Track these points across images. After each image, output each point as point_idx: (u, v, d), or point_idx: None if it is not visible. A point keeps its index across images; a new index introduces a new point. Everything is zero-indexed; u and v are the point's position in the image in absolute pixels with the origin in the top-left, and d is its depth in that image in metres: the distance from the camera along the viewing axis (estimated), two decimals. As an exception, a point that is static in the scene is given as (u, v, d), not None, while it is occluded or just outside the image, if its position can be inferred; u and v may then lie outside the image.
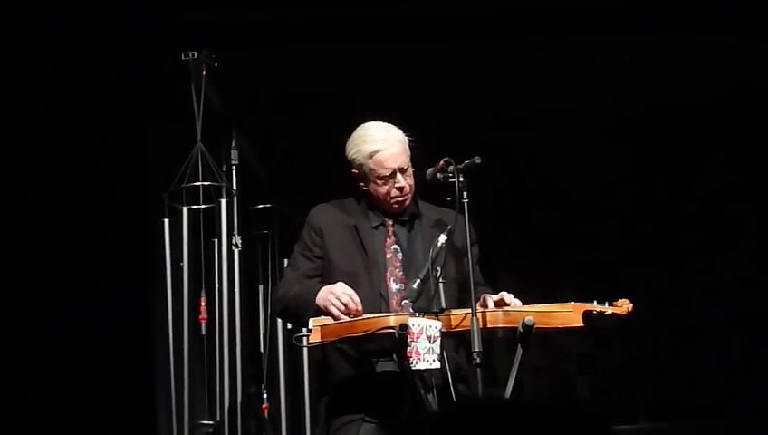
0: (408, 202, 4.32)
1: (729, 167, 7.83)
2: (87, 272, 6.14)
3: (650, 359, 7.80)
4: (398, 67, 6.85)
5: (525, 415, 1.47)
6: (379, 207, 4.33)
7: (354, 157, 4.30)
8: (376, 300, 4.18)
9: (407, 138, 4.33)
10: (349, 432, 4.14)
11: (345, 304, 4.04)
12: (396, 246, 4.30)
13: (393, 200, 4.29)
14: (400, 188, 4.27)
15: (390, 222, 4.33)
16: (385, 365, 4.12)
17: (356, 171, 4.32)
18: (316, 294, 4.12)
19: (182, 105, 5.30)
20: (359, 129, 4.34)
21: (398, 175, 4.26)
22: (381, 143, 4.26)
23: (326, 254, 4.29)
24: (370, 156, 4.26)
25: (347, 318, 4.03)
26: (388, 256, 4.27)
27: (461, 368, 4.18)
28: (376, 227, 4.33)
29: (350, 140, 4.34)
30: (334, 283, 4.14)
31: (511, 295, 4.15)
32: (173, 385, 5.22)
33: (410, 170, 4.30)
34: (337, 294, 4.06)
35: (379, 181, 4.27)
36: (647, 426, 6.82)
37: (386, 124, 4.34)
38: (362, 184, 4.32)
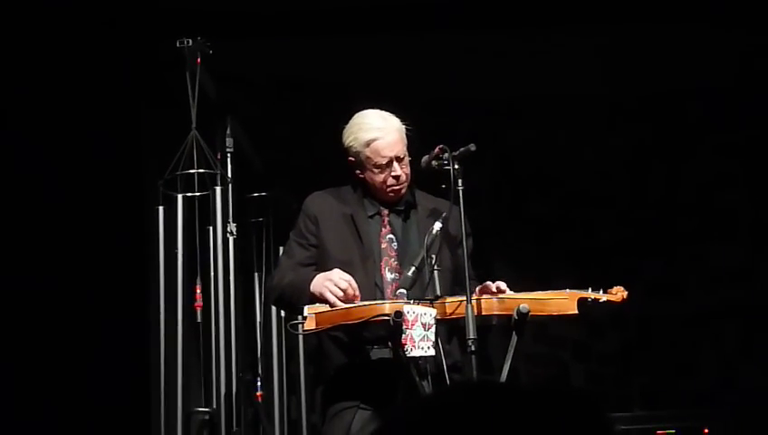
0: (403, 191, 4.32)
1: (724, 155, 7.83)
2: (82, 259, 6.14)
3: (645, 347, 7.81)
4: (392, 55, 6.85)
5: (519, 398, 1.47)
6: (375, 195, 4.33)
7: (351, 144, 4.29)
8: (371, 289, 4.18)
9: (404, 126, 4.32)
10: (344, 419, 4.15)
11: (344, 291, 4.04)
12: (391, 236, 4.29)
13: (389, 189, 4.28)
14: (396, 177, 4.26)
15: (386, 211, 4.33)
16: (380, 353, 4.12)
17: (352, 159, 4.31)
18: (311, 282, 4.11)
19: (177, 93, 5.29)
20: (356, 116, 4.33)
21: (395, 164, 4.25)
22: (378, 132, 4.25)
23: (321, 242, 4.29)
24: (367, 144, 4.25)
25: (343, 305, 4.03)
26: (384, 245, 4.27)
27: (456, 360, 4.18)
28: (371, 217, 4.33)
29: (348, 127, 4.33)
30: (329, 271, 4.14)
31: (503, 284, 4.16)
32: (163, 372, 5.21)
33: (407, 159, 4.30)
34: (335, 281, 4.05)
35: (375, 170, 4.26)
36: (641, 414, 6.81)
37: (384, 112, 4.32)
38: (359, 172, 4.32)
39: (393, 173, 4.25)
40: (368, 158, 4.26)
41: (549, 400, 1.45)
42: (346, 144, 4.31)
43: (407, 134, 4.31)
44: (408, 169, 4.30)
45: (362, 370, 4.14)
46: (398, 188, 4.28)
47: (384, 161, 4.24)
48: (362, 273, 4.19)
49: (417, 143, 4.35)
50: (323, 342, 4.24)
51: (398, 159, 4.26)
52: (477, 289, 4.14)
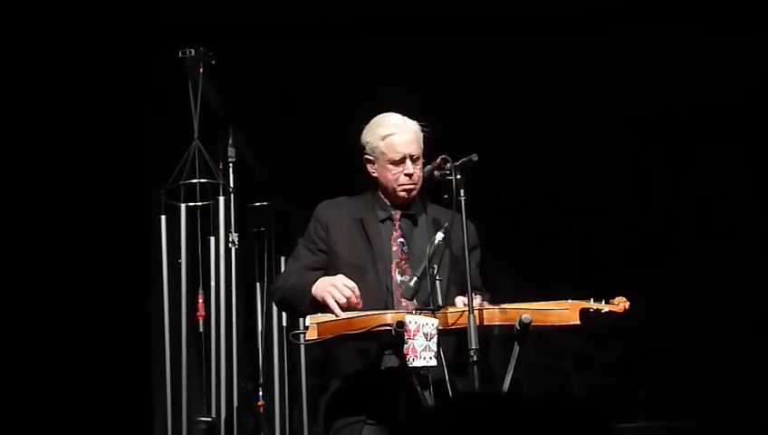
0: (415, 192, 4.33)
1: (726, 166, 7.83)
2: (84, 268, 6.13)
3: (647, 358, 7.80)
4: (395, 65, 6.84)
5: (527, 410, 1.47)
6: (388, 197, 4.35)
7: (368, 140, 4.35)
8: (382, 292, 4.19)
9: (423, 132, 4.36)
10: (351, 434, 4.14)
11: (347, 298, 4.04)
12: (402, 240, 4.31)
13: (401, 187, 4.30)
14: (409, 175, 4.29)
15: (397, 215, 4.34)
16: (390, 360, 4.10)
17: (368, 156, 4.35)
18: (313, 285, 4.12)
19: (179, 102, 5.30)
20: (377, 117, 4.40)
21: (408, 161, 4.29)
22: (395, 128, 4.32)
23: (332, 248, 4.30)
24: (383, 138, 4.30)
25: (342, 313, 4.03)
26: (394, 248, 4.29)
27: (465, 364, 4.16)
28: (383, 221, 4.34)
29: (367, 126, 4.39)
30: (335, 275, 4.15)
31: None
32: (169, 381, 5.21)
33: (420, 162, 4.33)
34: (339, 288, 4.06)
35: (389, 166, 4.30)
36: (643, 425, 6.80)
37: (404, 116, 4.38)
38: (373, 170, 4.34)
39: (406, 171, 4.28)
40: (383, 153, 4.30)
41: (556, 410, 1.45)
42: (363, 141, 4.37)
43: (423, 141, 4.35)
44: (420, 172, 4.32)
45: (370, 381, 4.13)
46: (410, 186, 4.31)
47: (398, 157, 4.28)
48: (373, 275, 4.21)
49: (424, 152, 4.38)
50: (332, 349, 4.24)
51: (412, 159, 4.29)
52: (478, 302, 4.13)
